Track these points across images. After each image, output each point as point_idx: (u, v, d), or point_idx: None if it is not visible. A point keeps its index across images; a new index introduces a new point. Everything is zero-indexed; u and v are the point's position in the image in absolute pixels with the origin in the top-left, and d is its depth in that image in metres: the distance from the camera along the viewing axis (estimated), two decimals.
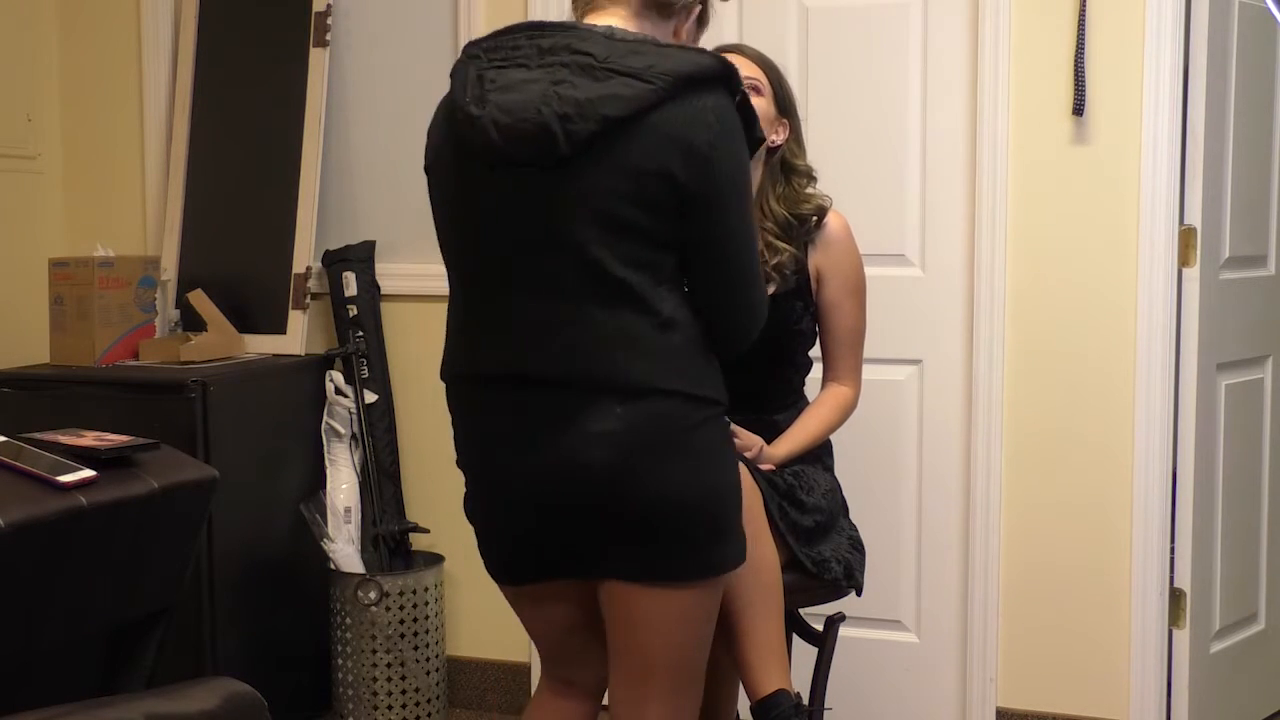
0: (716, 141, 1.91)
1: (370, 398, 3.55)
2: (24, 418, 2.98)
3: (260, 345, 3.60)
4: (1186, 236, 3.11)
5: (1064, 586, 3.19)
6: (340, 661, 3.44)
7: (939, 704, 3.32)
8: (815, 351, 2.68)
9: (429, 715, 3.47)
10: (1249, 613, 3.45)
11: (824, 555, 2.51)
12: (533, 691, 2.32)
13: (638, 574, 1.99)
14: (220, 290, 3.58)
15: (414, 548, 3.60)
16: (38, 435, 2.33)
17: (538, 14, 3.42)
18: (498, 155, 1.92)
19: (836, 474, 2.69)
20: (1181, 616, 3.17)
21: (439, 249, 2.09)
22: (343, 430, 3.53)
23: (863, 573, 2.60)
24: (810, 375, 2.71)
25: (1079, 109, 3.08)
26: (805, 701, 2.48)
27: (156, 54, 3.79)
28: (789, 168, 2.62)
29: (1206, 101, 3.10)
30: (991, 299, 3.18)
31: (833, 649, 2.59)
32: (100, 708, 2.04)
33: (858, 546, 2.62)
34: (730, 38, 3.29)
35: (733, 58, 2.55)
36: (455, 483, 2.14)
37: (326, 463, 3.53)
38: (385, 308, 3.62)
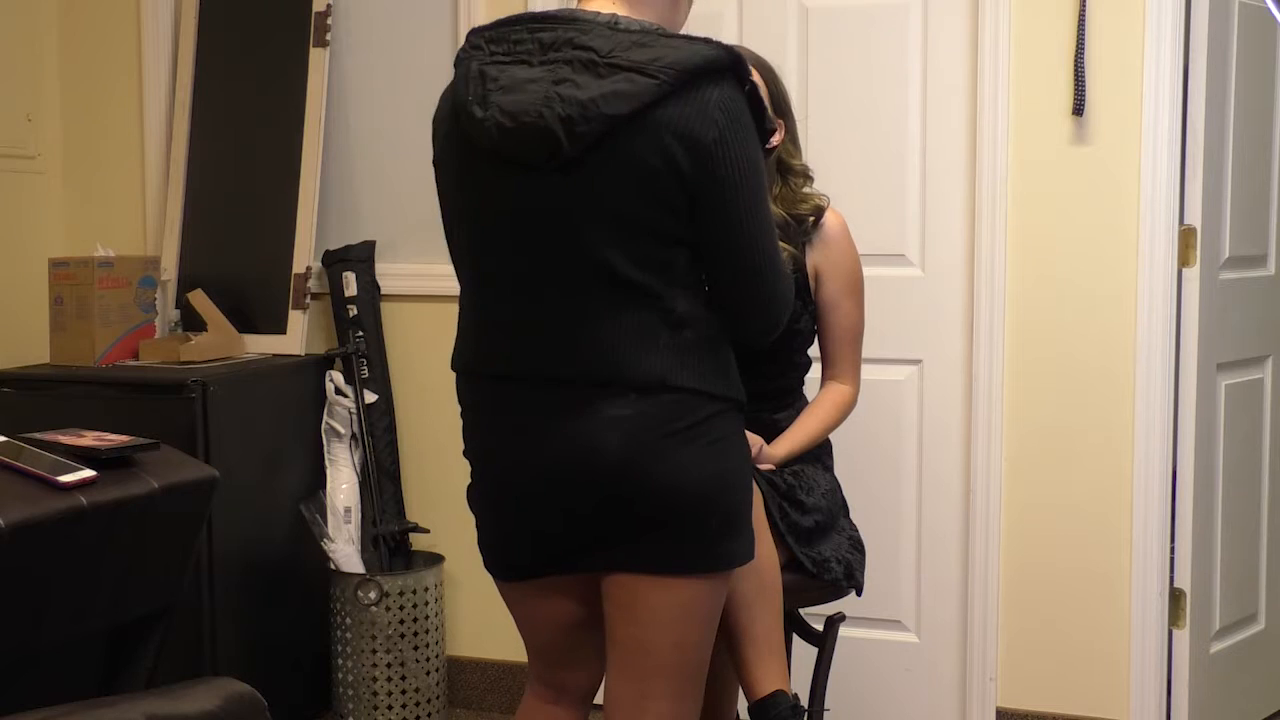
0: (722, 136, 1.88)
1: (370, 398, 3.55)
2: (24, 418, 2.98)
3: (260, 345, 3.60)
4: (1186, 236, 3.11)
5: (1064, 586, 3.19)
6: (340, 661, 3.44)
7: (939, 704, 3.32)
8: (814, 350, 2.69)
9: (429, 715, 3.47)
10: (1249, 613, 3.45)
11: (824, 555, 2.52)
12: (524, 700, 2.30)
13: (645, 564, 1.98)
14: (220, 290, 3.58)
15: (414, 548, 3.60)
16: (38, 435, 2.33)
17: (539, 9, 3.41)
18: (502, 157, 1.91)
19: (836, 474, 2.69)
20: (1181, 616, 3.17)
21: (445, 241, 2.08)
22: (343, 430, 3.53)
23: (863, 573, 2.60)
24: (809, 375, 2.71)
25: (1079, 109, 3.08)
26: (805, 702, 2.48)
27: (156, 54, 3.79)
28: (785, 168, 2.62)
29: (1206, 101, 3.10)
30: (991, 299, 3.18)
31: (833, 649, 2.60)
32: (100, 708, 2.04)
33: (858, 547, 2.62)
34: (730, 38, 3.30)
35: None
36: (455, 483, 2.14)
37: (326, 463, 3.53)
38: (385, 308, 3.62)
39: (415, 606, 3.42)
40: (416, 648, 3.42)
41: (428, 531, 3.56)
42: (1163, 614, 3.14)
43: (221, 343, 3.51)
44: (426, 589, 3.45)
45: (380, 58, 3.64)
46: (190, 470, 2.40)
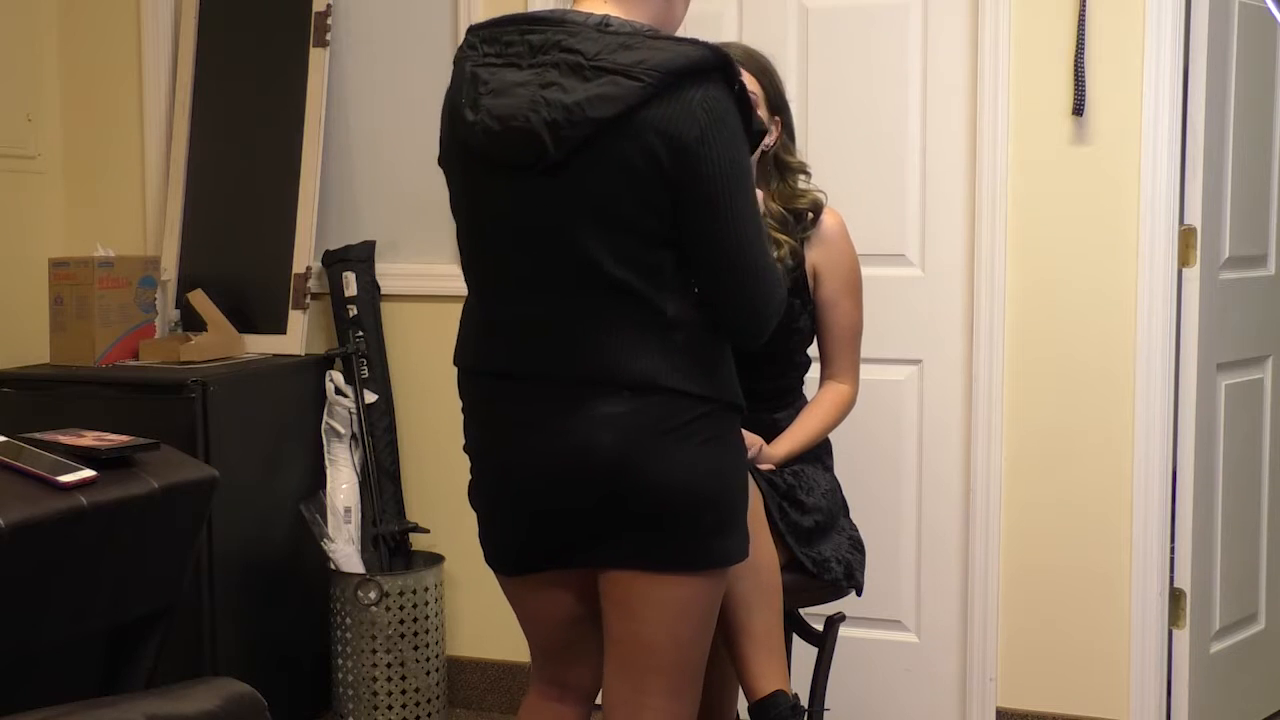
0: (704, 135, 1.88)
1: (370, 398, 3.55)
2: (24, 418, 2.98)
3: (260, 345, 3.60)
4: (1186, 236, 3.11)
5: (1064, 586, 3.19)
6: (340, 661, 3.44)
7: (939, 704, 3.32)
8: (813, 350, 2.69)
9: (429, 715, 3.47)
10: (1249, 613, 3.45)
11: (824, 555, 2.52)
12: (526, 698, 2.30)
13: (639, 560, 1.99)
14: (220, 290, 3.58)
15: (414, 548, 3.60)
16: (38, 435, 2.33)
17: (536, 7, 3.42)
18: (493, 160, 1.94)
19: (836, 474, 2.69)
20: (1181, 616, 3.17)
21: (445, 241, 2.12)
22: (343, 430, 3.53)
23: (863, 573, 2.60)
24: (808, 374, 2.72)
25: (1079, 109, 3.08)
26: (805, 702, 2.48)
27: (156, 54, 3.79)
28: (782, 164, 2.62)
29: (1206, 101, 3.10)
30: (991, 299, 3.18)
31: (833, 649, 2.60)
32: (100, 708, 2.04)
33: (858, 546, 2.62)
34: (730, 37, 3.30)
35: None
36: (455, 483, 2.14)
37: (326, 463, 3.53)
38: (385, 308, 3.62)
39: (415, 606, 3.42)
40: (416, 648, 3.42)
41: (428, 531, 3.56)
42: (1163, 614, 3.14)
43: (221, 343, 3.51)
44: (426, 589, 3.45)
45: (380, 58, 3.64)
46: (190, 470, 2.40)
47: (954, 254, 3.24)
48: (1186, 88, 3.09)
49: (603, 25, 1.92)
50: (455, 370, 2.12)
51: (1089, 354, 3.14)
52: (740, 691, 2.52)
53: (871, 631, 3.30)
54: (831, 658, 2.59)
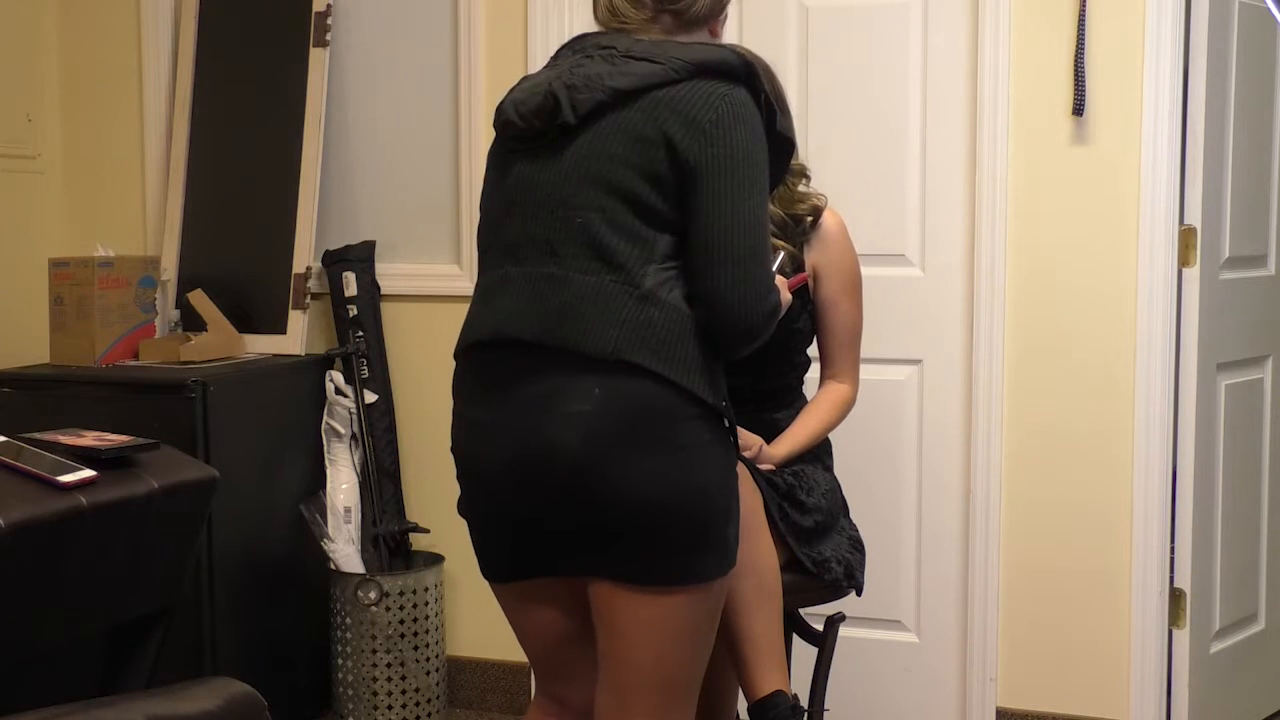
0: (721, 121, 1.92)
1: (370, 398, 3.55)
2: (24, 418, 2.98)
3: (260, 345, 3.60)
4: (1186, 236, 3.11)
5: (1064, 586, 3.19)
6: (340, 661, 3.44)
7: (939, 704, 3.32)
8: (813, 350, 2.69)
9: (429, 715, 3.47)
10: (1249, 613, 3.45)
11: (824, 555, 2.52)
12: (533, 693, 2.30)
13: (614, 572, 1.96)
14: (220, 290, 3.58)
15: (414, 548, 3.60)
16: (38, 435, 2.34)
17: (538, 16, 3.43)
18: (516, 131, 2.02)
19: (836, 473, 2.69)
20: (1181, 616, 3.17)
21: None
22: (343, 430, 3.53)
23: (863, 573, 2.60)
24: (808, 374, 2.72)
25: (1079, 109, 3.08)
26: (805, 702, 2.48)
27: (156, 54, 3.79)
28: None
29: (1206, 101, 3.10)
30: (991, 299, 3.18)
31: (833, 649, 2.59)
32: (100, 708, 2.04)
33: (858, 546, 2.62)
34: (730, 38, 3.27)
35: None
36: (455, 483, 2.14)
37: (326, 463, 3.53)
38: (385, 308, 3.62)
39: (415, 606, 3.42)
40: (416, 648, 3.42)
41: (428, 531, 3.56)
42: (1163, 614, 3.14)
43: (221, 343, 3.51)
44: (426, 589, 3.45)
45: (380, 58, 3.64)
46: (190, 470, 2.40)
47: (954, 254, 3.24)
48: (1186, 88, 3.09)
49: (640, 38, 2.04)
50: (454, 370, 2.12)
51: (1089, 354, 3.14)
52: (740, 692, 2.53)
53: (871, 631, 3.29)
54: (831, 658, 2.59)
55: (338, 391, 3.54)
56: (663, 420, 1.92)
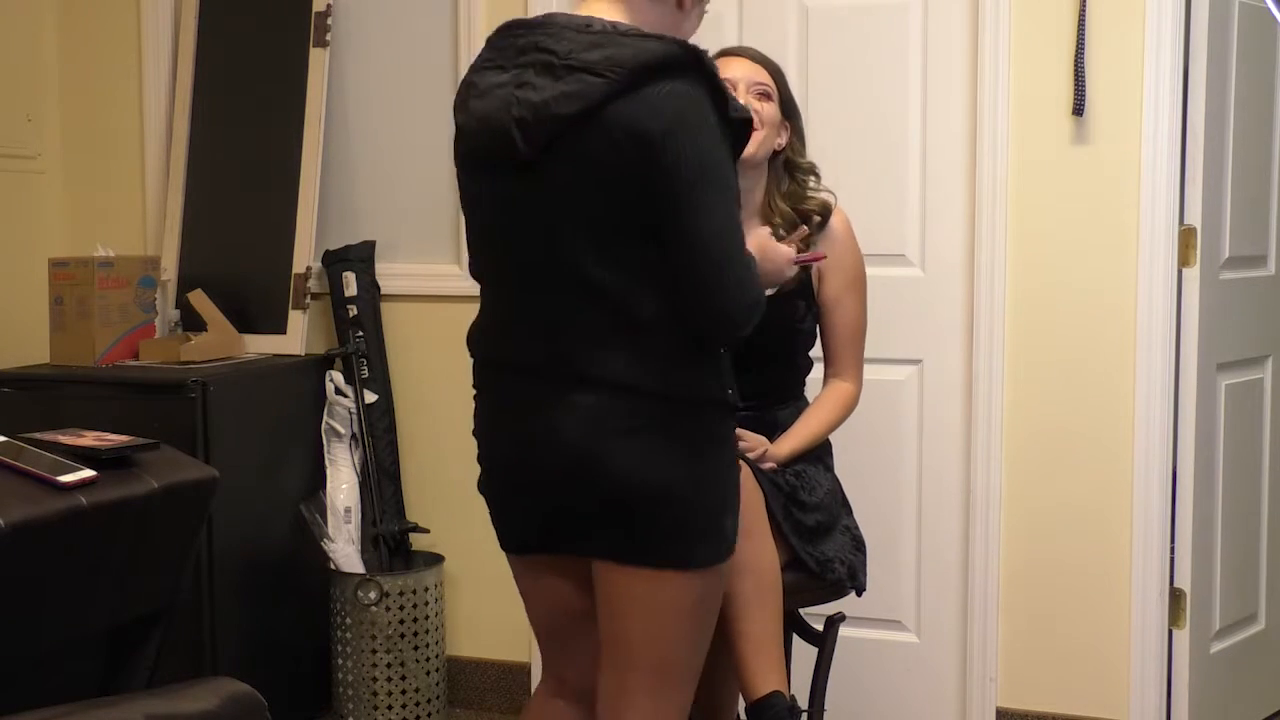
0: (669, 128, 1.89)
1: (370, 398, 3.55)
2: (24, 418, 2.97)
3: (260, 345, 3.60)
4: (1186, 236, 3.11)
5: (1064, 586, 3.19)
6: (340, 661, 3.44)
7: (939, 704, 3.32)
8: (816, 351, 2.69)
9: (429, 715, 3.47)
10: (1249, 613, 3.45)
11: (828, 555, 2.52)
12: (533, 691, 2.31)
13: (613, 553, 2.02)
14: (220, 290, 3.58)
15: (414, 548, 3.59)
16: (38, 435, 2.33)
17: (537, 12, 3.41)
18: (478, 159, 2.02)
19: (836, 473, 2.69)
20: (1181, 616, 3.17)
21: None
22: (343, 430, 3.53)
23: (865, 573, 2.60)
24: (811, 374, 2.72)
25: (1079, 109, 3.08)
26: (805, 702, 2.48)
27: (156, 54, 3.79)
28: (792, 165, 2.64)
29: (1206, 101, 3.10)
30: (991, 299, 3.18)
31: (833, 649, 2.60)
32: (100, 708, 2.04)
33: (860, 546, 2.62)
34: (730, 38, 3.30)
35: (738, 61, 2.57)
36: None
37: (326, 463, 3.53)
38: (385, 308, 3.62)
39: (415, 606, 3.42)
40: (416, 648, 3.42)
41: (428, 531, 3.56)
42: (1163, 614, 3.14)
43: (221, 343, 3.51)
44: (426, 589, 3.45)
45: (380, 58, 3.64)
46: (190, 470, 2.40)
47: (954, 254, 3.24)
48: (1186, 88, 3.08)
49: (584, 26, 1.95)
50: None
51: (1089, 354, 3.14)
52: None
53: (871, 631, 3.29)
54: (831, 658, 2.59)
55: (338, 391, 3.54)
56: (659, 415, 1.98)
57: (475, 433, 2.15)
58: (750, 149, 2.26)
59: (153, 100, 3.80)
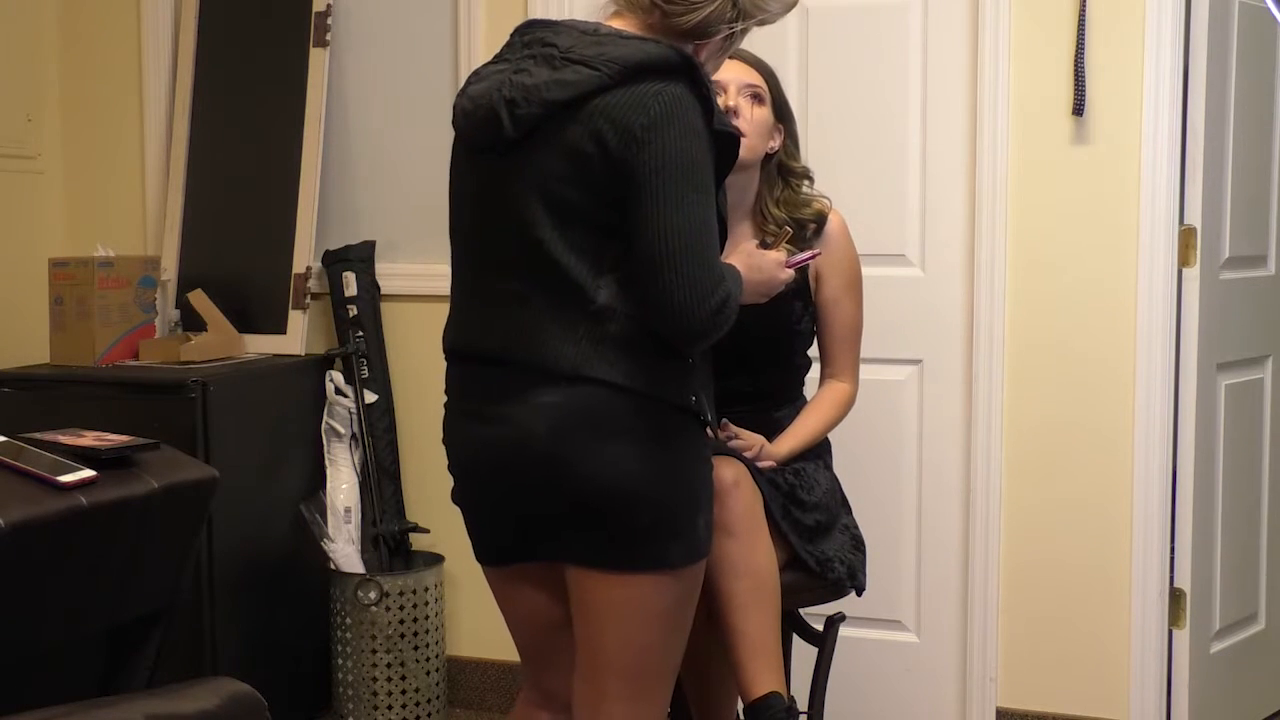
0: (654, 123, 1.90)
1: (370, 398, 3.55)
2: (24, 418, 2.97)
3: (260, 345, 3.60)
4: (1186, 236, 3.11)
5: (1064, 586, 3.19)
6: (340, 661, 3.44)
7: (939, 704, 3.32)
8: (813, 351, 2.69)
9: (429, 715, 3.47)
10: (1249, 613, 3.45)
11: (827, 555, 2.52)
12: (516, 704, 2.31)
13: (585, 557, 2.00)
14: (220, 290, 3.58)
15: (414, 548, 3.60)
16: (38, 435, 2.33)
17: (538, 14, 3.42)
18: (466, 141, 2.05)
19: (835, 472, 2.69)
20: (1181, 616, 3.17)
21: (445, 240, 2.17)
22: (343, 430, 3.53)
23: (864, 572, 2.60)
24: (809, 375, 2.72)
25: (1079, 109, 3.08)
26: (804, 702, 2.48)
27: (156, 54, 3.79)
28: (786, 170, 2.63)
29: (1206, 101, 3.10)
30: (991, 299, 3.18)
31: (833, 649, 2.59)
32: (100, 708, 2.04)
33: (860, 546, 2.62)
34: None
35: (733, 63, 2.56)
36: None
37: (326, 463, 3.53)
38: (385, 308, 3.62)
39: (415, 606, 3.42)
40: (416, 648, 3.42)
41: (428, 531, 3.56)
42: (1163, 614, 3.14)
43: (221, 343, 3.51)
44: (426, 589, 3.45)
45: (380, 58, 3.64)
46: (190, 470, 2.40)
47: (954, 254, 3.24)
48: (1186, 88, 3.08)
49: (592, 29, 1.99)
50: None
51: (1089, 354, 3.14)
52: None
53: (871, 631, 3.29)
54: (831, 658, 2.59)
55: (338, 391, 3.54)
56: (627, 416, 1.96)
57: (444, 440, 2.13)
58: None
59: (153, 100, 3.80)
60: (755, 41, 3.08)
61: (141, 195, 3.84)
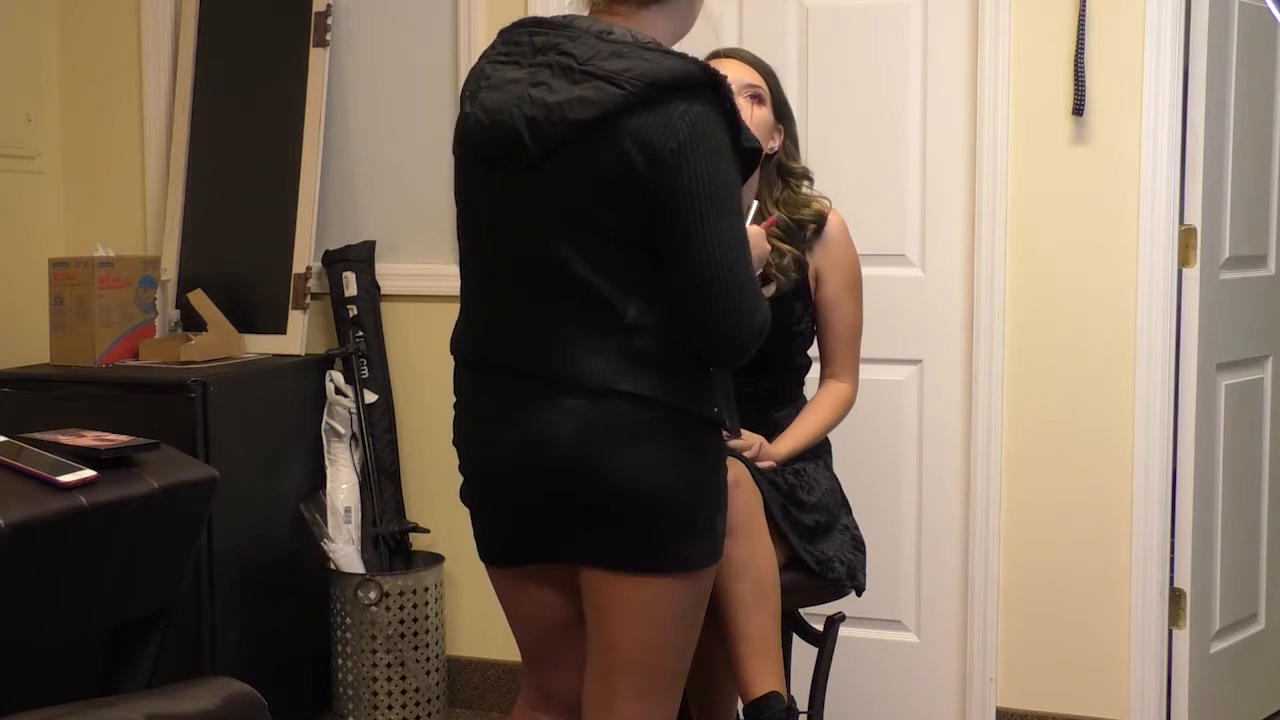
0: (682, 147, 1.88)
1: (370, 398, 3.55)
2: (24, 418, 2.98)
3: (260, 345, 3.60)
4: (1186, 236, 3.11)
5: (1064, 586, 3.19)
6: (340, 661, 3.44)
7: (939, 704, 3.32)
8: (813, 351, 2.69)
9: (429, 715, 3.47)
10: (1249, 613, 3.45)
11: (827, 555, 2.52)
12: (515, 706, 2.31)
13: (605, 559, 2.00)
14: (220, 290, 3.58)
15: (414, 548, 3.60)
16: (38, 435, 2.33)
17: (537, 11, 3.42)
18: (480, 153, 1.99)
19: (835, 472, 2.69)
20: (1181, 616, 3.17)
21: (444, 240, 2.14)
22: (343, 430, 3.53)
23: (864, 572, 2.60)
24: (809, 375, 2.72)
25: (1079, 109, 3.08)
26: (804, 702, 2.48)
27: (156, 54, 3.79)
28: (786, 170, 2.64)
29: (1206, 101, 3.10)
30: (991, 299, 3.18)
31: (833, 649, 2.60)
32: (100, 708, 2.04)
33: (859, 546, 2.62)
34: (730, 38, 3.30)
35: (733, 63, 2.56)
36: (455, 483, 2.14)
37: (326, 463, 3.53)
38: (385, 308, 3.62)
39: (415, 606, 3.42)
40: (416, 648, 3.42)
41: (428, 531, 3.56)
42: (1163, 614, 3.14)
43: (221, 343, 3.51)
44: (426, 589, 3.45)
45: (380, 58, 3.64)
46: (190, 470, 2.40)
47: (954, 254, 3.24)
48: (1186, 88, 3.08)
49: (604, 33, 1.94)
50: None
51: (1089, 354, 3.14)
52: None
53: (871, 631, 3.30)
54: (831, 658, 2.59)
55: (338, 391, 3.54)
56: (653, 423, 1.96)
57: (455, 441, 2.11)
58: None
59: (153, 100, 3.80)
60: (755, 41, 3.09)
61: (141, 195, 3.84)
